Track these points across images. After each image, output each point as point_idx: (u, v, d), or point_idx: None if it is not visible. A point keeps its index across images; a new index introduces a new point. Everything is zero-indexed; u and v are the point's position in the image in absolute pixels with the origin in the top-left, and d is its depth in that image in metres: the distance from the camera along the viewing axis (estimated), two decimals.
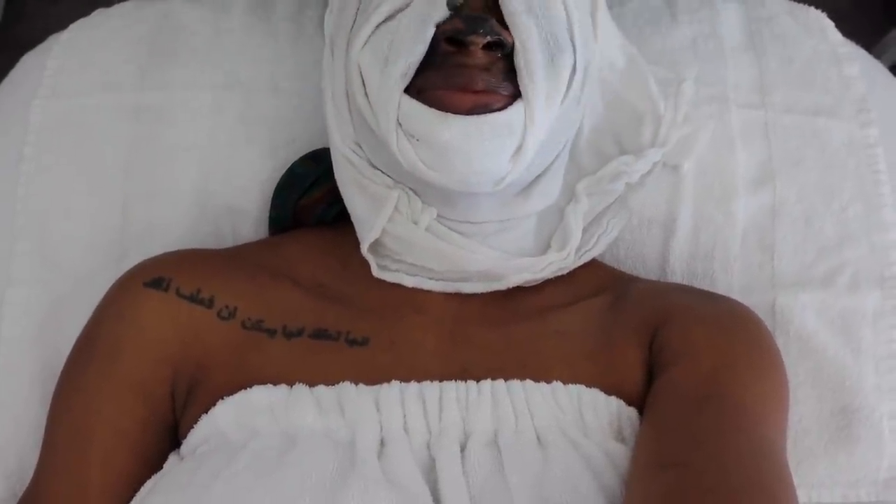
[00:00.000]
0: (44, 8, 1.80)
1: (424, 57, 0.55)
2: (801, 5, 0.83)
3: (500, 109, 0.55)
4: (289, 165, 0.73)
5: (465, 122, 0.54)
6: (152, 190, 0.75)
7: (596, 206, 0.68)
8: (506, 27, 0.56)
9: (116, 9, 0.84)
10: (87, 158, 0.75)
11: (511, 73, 0.56)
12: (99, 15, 0.84)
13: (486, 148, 0.54)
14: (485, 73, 0.55)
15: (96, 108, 0.77)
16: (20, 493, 0.61)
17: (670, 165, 0.74)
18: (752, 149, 0.75)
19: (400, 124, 0.55)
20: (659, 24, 0.79)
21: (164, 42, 0.79)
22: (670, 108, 0.72)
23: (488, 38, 0.54)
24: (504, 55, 0.56)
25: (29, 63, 0.82)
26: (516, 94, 0.56)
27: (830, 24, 0.82)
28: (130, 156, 0.75)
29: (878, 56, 1.56)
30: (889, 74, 0.84)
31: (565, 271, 0.66)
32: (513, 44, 0.56)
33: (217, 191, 0.75)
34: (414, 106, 0.55)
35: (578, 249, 0.66)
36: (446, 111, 0.54)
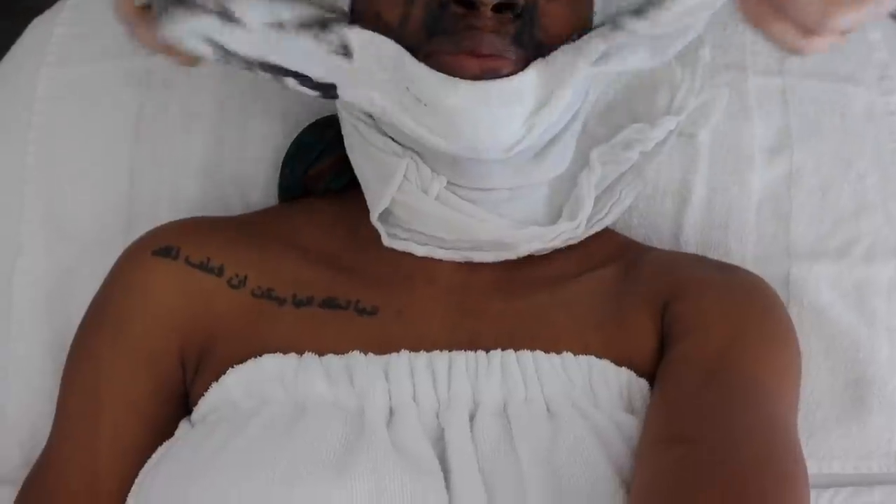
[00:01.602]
0: None
1: (434, 20, 0.54)
2: None
3: (509, 75, 0.54)
4: (298, 133, 0.73)
5: (472, 87, 0.53)
6: (161, 157, 0.75)
7: (609, 174, 0.67)
8: None
9: None
10: (95, 126, 0.75)
11: (522, 36, 0.55)
12: None
13: (495, 115, 0.53)
14: (494, 37, 0.53)
15: (104, 75, 0.76)
16: (34, 461, 0.62)
17: (686, 134, 0.73)
18: (769, 117, 0.74)
19: (407, 88, 0.55)
20: None
21: None
22: (688, 74, 0.70)
23: None
24: (515, 16, 0.54)
25: (37, 29, 0.81)
26: (527, 58, 0.55)
27: None
28: (139, 123, 0.75)
29: None
30: None
31: (577, 240, 0.65)
32: (524, 4, 0.54)
33: (226, 158, 0.75)
34: (421, 70, 0.54)
35: (590, 219, 0.65)
36: (454, 76, 0.53)
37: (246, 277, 0.61)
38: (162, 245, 0.61)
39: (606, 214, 0.67)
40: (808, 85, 0.75)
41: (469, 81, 0.53)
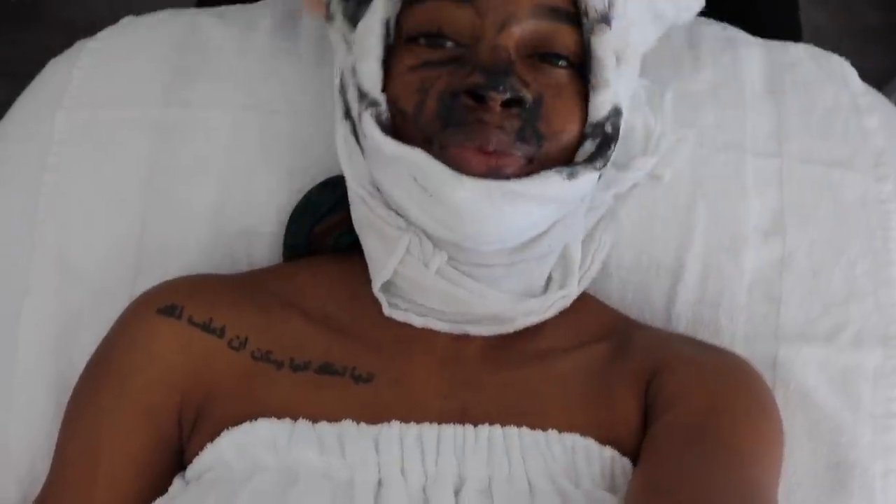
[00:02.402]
0: None
1: (447, 110, 0.57)
2: (824, 52, 0.83)
3: (514, 175, 0.56)
4: (306, 190, 0.74)
5: (477, 184, 0.55)
6: (170, 207, 0.76)
7: (587, 222, 0.69)
8: (526, 82, 0.57)
9: (146, 18, 0.85)
10: (108, 172, 0.76)
11: (526, 131, 0.57)
12: (128, 24, 0.85)
13: (499, 212, 0.56)
14: (500, 132, 0.56)
15: (119, 121, 0.78)
16: (30, 499, 0.63)
17: (654, 176, 0.74)
18: (765, 198, 0.75)
19: (414, 178, 0.56)
20: (681, 67, 0.79)
21: (189, 58, 0.80)
22: (659, 118, 0.72)
23: (508, 96, 0.55)
24: (523, 111, 0.57)
25: (55, 71, 0.82)
26: (531, 152, 0.57)
27: (853, 72, 0.82)
28: (151, 172, 0.76)
29: None
30: None
31: (570, 301, 0.67)
32: (532, 100, 0.57)
33: (233, 212, 0.76)
34: (430, 162, 0.56)
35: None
36: (461, 170, 0.55)
37: (247, 339, 0.62)
38: (167, 303, 0.63)
39: (591, 264, 0.69)
40: (805, 168, 0.76)
41: (475, 178, 0.55)
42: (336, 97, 0.65)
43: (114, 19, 0.86)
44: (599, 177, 0.62)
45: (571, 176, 0.58)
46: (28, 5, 1.77)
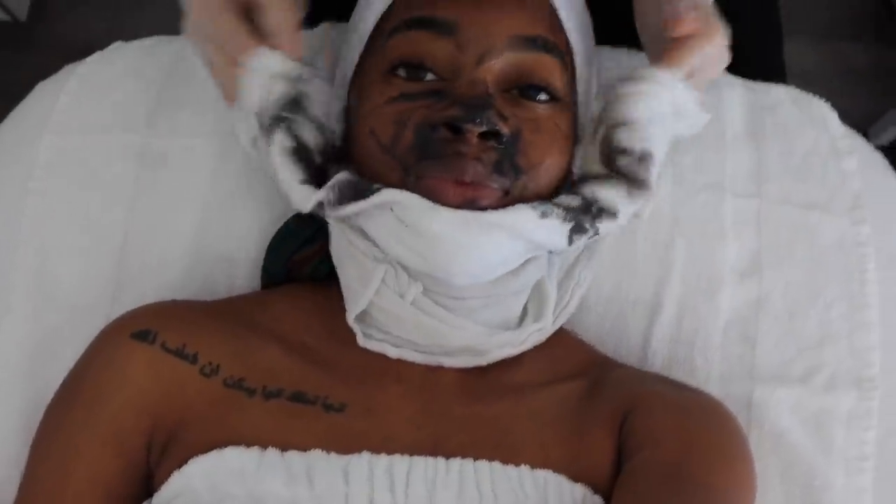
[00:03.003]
0: (69, 6, 1.82)
1: (424, 142, 0.57)
2: (805, 94, 0.83)
3: (490, 207, 0.56)
4: (286, 218, 0.75)
5: (453, 215, 0.55)
6: (151, 232, 0.76)
7: (566, 259, 0.70)
8: (504, 116, 0.57)
9: (135, 45, 0.86)
10: (91, 196, 0.77)
11: (503, 164, 0.57)
12: (117, 49, 0.85)
13: (475, 243, 0.56)
14: (477, 164, 0.56)
15: (104, 147, 0.78)
16: None
17: (633, 214, 0.73)
18: (742, 239, 0.76)
19: (391, 209, 0.57)
20: None
21: (176, 86, 0.81)
22: None
23: (484, 128, 0.56)
24: (500, 145, 0.57)
25: (43, 93, 0.83)
26: (507, 184, 0.58)
27: (834, 115, 0.82)
28: (133, 197, 0.77)
29: (893, 121, 1.57)
30: (888, 169, 0.84)
31: (546, 336, 0.67)
32: (509, 133, 0.57)
33: (214, 238, 0.76)
34: (406, 195, 0.56)
35: (554, 309, 0.67)
36: (437, 201, 0.56)
37: (219, 366, 0.62)
38: (141, 328, 0.63)
39: (569, 300, 0.69)
40: (783, 210, 0.77)
41: (451, 209, 0.55)
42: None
43: (111, 43, 0.87)
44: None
45: (544, 215, 0.58)
46: (24, 27, 1.79)
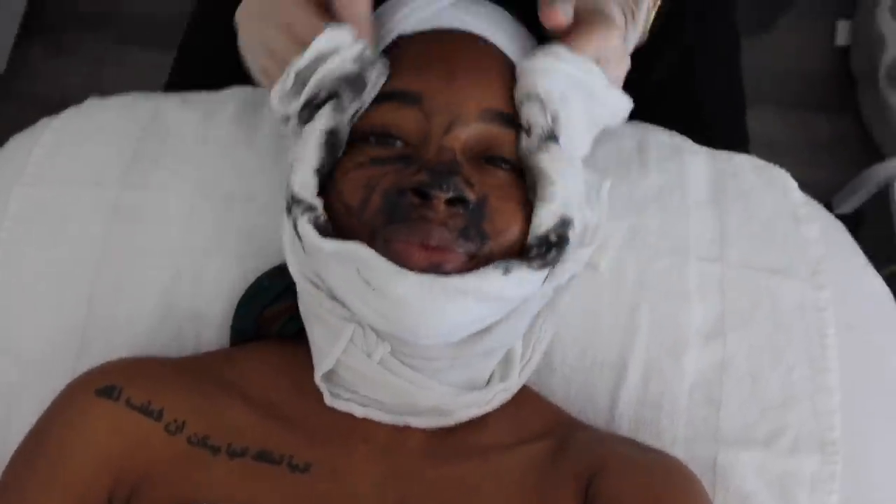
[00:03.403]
0: (48, 59, 1.83)
1: (392, 206, 0.58)
2: (766, 163, 0.86)
3: (455, 271, 0.57)
4: (257, 275, 0.75)
5: (419, 279, 0.56)
6: (120, 288, 0.76)
7: (536, 310, 0.70)
8: (470, 185, 0.59)
9: (111, 101, 0.87)
10: (59, 250, 0.77)
11: (469, 230, 0.58)
12: (92, 105, 0.86)
13: (440, 307, 0.56)
14: (443, 229, 0.57)
15: (75, 201, 0.79)
16: None
17: (590, 266, 0.75)
18: (706, 302, 0.77)
19: (357, 270, 0.57)
20: (629, 170, 0.82)
21: (150, 143, 0.81)
22: (597, 210, 0.71)
23: (451, 194, 0.57)
24: (467, 211, 0.58)
25: (17, 146, 0.84)
26: (473, 250, 0.58)
27: (794, 184, 0.85)
28: (102, 252, 0.77)
29: (856, 190, 1.62)
30: (848, 236, 0.86)
31: (511, 394, 0.67)
32: (475, 200, 0.58)
33: (184, 295, 0.76)
34: (373, 256, 0.57)
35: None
36: (403, 265, 0.56)
37: (184, 423, 0.62)
38: (106, 384, 0.62)
39: (532, 354, 0.68)
40: (745, 274, 0.78)
41: (417, 273, 0.56)
42: (285, 191, 0.66)
43: (86, 98, 0.88)
44: (545, 279, 0.63)
45: (506, 271, 0.58)
46: (2, 80, 1.80)
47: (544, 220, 0.61)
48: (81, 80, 1.79)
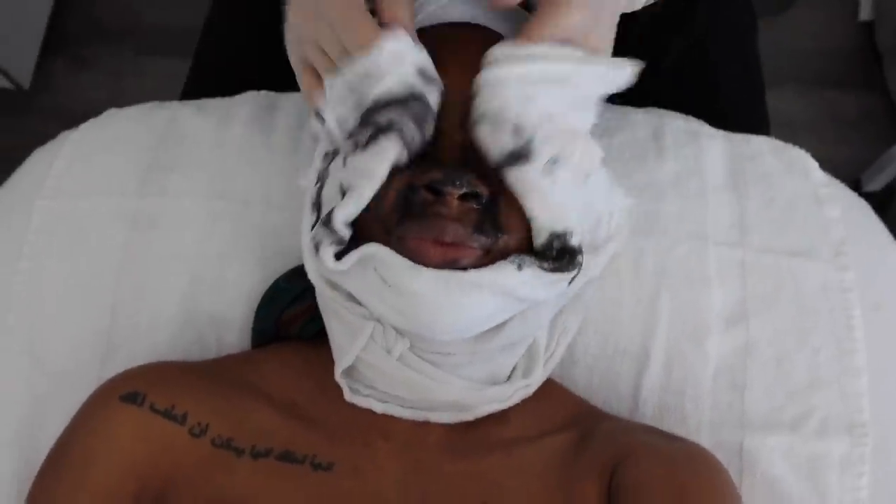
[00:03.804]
0: (70, 74, 1.86)
1: (406, 203, 0.58)
2: (785, 145, 0.84)
3: (470, 266, 0.57)
4: (275, 277, 0.76)
5: (434, 275, 0.56)
6: (141, 295, 0.77)
7: (554, 307, 0.69)
8: (484, 180, 0.58)
9: (128, 111, 0.88)
10: (82, 261, 0.78)
11: (484, 224, 0.58)
12: (110, 115, 0.87)
13: (457, 302, 0.56)
14: (458, 225, 0.57)
15: (95, 211, 0.80)
16: None
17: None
18: (727, 287, 0.76)
19: (374, 269, 0.58)
20: (645, 158, 0.81)
21: (166, 150, 0.82)
22: (606, 199, 0.68)
23: (464, 190, 0.57)
24: (480, 206, 0.58)
25: (38, 159, 0.85)
26: (489, 245, 0.58)
27: (814, 164, 0.83)
28: (124, 260, 0.78)
29: (884, 166, 1.59)
30: (872, 215, 0.84)
31: (533, 390, 0.67)
32: (489, 195, 0.58)
33: (204, 299, 0.77)
34: (388, 254, 0.57)
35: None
36: (418, 261, 0.56)
37: (208, 426, 0.63)
38: (129, 390, 0.63)
39: (556, 349, 0.68)
40: (766, 258, 0.77)
41: (432, 269, 0.56)
42: (311, 188, 0.65)
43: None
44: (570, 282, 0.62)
45: (520, 266, 0.58)
46: (27, 95, 1.83)
47: (536, 236, 0.59)
48: (103, 93, 1.82)
